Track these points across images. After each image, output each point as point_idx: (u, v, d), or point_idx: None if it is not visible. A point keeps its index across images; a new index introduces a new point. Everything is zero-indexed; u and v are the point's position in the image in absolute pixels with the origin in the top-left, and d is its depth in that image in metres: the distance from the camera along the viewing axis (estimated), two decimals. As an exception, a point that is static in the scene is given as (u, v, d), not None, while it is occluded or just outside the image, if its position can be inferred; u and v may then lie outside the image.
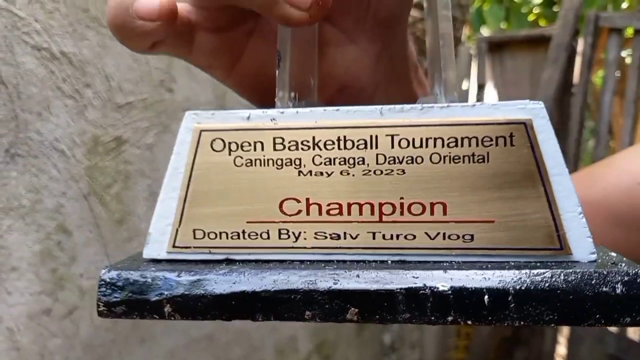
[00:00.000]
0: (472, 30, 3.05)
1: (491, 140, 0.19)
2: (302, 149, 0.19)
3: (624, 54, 2.32)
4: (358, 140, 0.19)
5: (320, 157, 0.19)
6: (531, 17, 3.63)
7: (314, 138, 0.19)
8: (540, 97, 1.85)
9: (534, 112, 0.19)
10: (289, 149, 0.19)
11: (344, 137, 0.19)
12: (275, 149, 0.19)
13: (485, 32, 3.06)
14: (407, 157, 0.19)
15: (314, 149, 0.19)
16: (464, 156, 0.19)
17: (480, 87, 2.06)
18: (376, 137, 0.19)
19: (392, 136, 0.19)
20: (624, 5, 2.97)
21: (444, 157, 0.19)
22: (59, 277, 0.65)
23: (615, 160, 0.45)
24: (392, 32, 0.28)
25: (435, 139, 0.19)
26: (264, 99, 0.26)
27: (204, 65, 0.25)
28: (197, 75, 0.89)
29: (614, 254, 0.20)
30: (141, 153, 0.73)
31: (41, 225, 0.63)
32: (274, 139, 0.19)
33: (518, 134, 0.19)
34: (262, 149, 0.19)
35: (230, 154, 0.19)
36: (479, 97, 2.04)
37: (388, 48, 0.28)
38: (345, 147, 0.19)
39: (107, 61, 0.67)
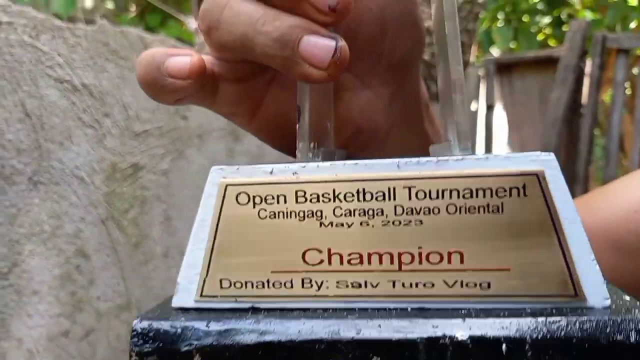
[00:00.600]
0: (481, 51, 3.07)
1: (505, 191, 0.19)
2: (323, 201, 0.20)
3: (635, 70, 2.32)
4: (376, 193, 0.20)
5: (341, 208, 0.20)
6: (540, 37, 3.64)
7: (334, 191, 0.20)
8: (550, 118, 1.85)
9: (546, 163, 0.20)
10: (310, 201, 0.20)
11: (363, 189, 0.20)
12: (297, 202, 0.20)
13: (494, 51, 3.08)
14: (424, 208, 0.20)
15: (334, 201, 0.20)
16: (479, 207, 0.19)
17: (489, 107, 2.06)
18: (394, 189, 0.20)
19: (409, 188, 0.20)
20: (633, 24, 2.98)
21: (460, 207, 0.20)
22: (77, 299, 0.66)
23: (612, 188, 0.45)
24: (404, 75, 0.28)
25: (450, 191, 0.19)
26: (284, 144, 0.27)
27: (226, 113, 0.26)
28: (213, 102, 0.90)
29: (627, 298, 0.20)
30: (157, 179, 0.74)
31: (61, 249, 0.64)
32: (296, 192, 0.20)
33: (530, 184, 0.19)
34: (285, 202, 0.20)
35: (254, 207, 0.20)
36: (488, 118, 2.04)
37: (401, 90, 0.28)
38: (364, 199, 0.20)
39: (125, 92, 0.68)
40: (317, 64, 0.21)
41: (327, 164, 0.20)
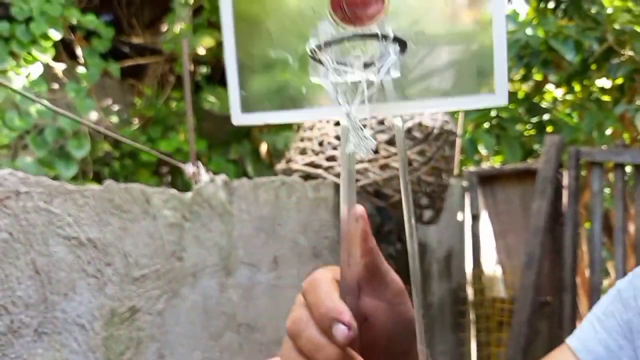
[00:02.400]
0: (466, 157, 3.21)
1: None
2: None
3: (611, 177, 2.43)
4: None
5: None
6: (524, 139, 3.81)
7: None
8: (532, 228, 1.93)
9: None
10: None
11: None
12: None
13: (482, 151, 3.22)
14: None
15: None
16: None
17: (474, 217, 2.14)
18: None
19: None
20: (609, 131, 3.15)
21: None
22: None
23: (572, 347, 0.52)
24: (404, 357, 0.40)
25: None
26: None
27: None
28: (205, 242, 0.98)
29: None
30: (152, 319, 0.80)
31: (59, 395, 0.68)
32: None
33: None
34: None
35: None
36: (474, 228, 2.11)
37: None
38: None
39: (126, 241, 0.76)
40: None
41: None
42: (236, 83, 0.36)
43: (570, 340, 0.53)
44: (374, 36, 0.33)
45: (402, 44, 0.33)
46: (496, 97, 0.33)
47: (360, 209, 0.37)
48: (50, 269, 0.65)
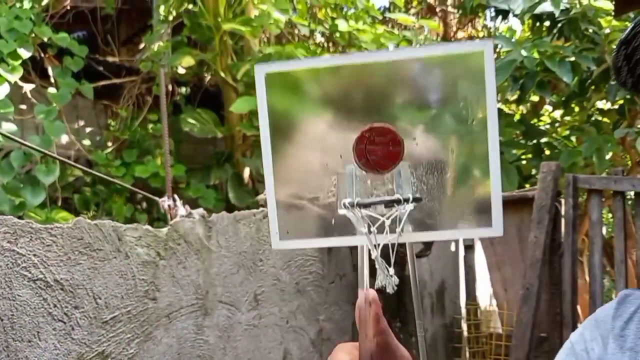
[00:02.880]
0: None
1: None
2: None
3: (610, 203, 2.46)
4: None
5: None
6: (521, 163, 3.86)
7: None
8: (529, 259, 1.95)
9: None
10: None
11: None
12: None
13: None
14: None
15: None
16: None
17: (468, 247, 2.16)
18: None
19: None
20: (608, 155, 3.20)
21: None
22: None
23: None
24: None
25: None
26: None
27: None
28: (181, 281, 0.98)
29: None
30: (123, 365, 0.79)
31: None
32: None
33: None
34: None
35: None
36: (468, 258, 2.13)
37: None
38: None
39: (96, 282, 0.76)
40: None
41: None
42: (275, 217, 0.46)
43: None
44: (396, 201, 0.42)
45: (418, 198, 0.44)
46: (493, 230, 0.42)
47: (372, 293, 0.44)
48: (14, 314, 0.65)
